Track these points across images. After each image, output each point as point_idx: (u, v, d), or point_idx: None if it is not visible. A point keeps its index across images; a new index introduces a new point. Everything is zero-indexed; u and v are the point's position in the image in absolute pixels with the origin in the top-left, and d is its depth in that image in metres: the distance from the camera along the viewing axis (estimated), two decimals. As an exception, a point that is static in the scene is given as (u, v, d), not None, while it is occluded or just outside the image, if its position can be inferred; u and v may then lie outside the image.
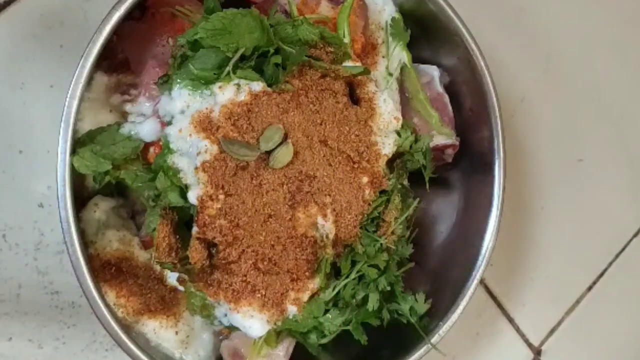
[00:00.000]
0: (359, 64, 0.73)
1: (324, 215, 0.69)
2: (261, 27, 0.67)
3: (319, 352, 0.74)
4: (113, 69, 0.74)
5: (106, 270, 0.71)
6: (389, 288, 0.73)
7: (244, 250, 0.67)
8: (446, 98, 0.81)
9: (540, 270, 0.98)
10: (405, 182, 0.75)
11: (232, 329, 0.72)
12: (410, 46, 0.78)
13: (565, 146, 1.00)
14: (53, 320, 0.80)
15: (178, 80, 0.68)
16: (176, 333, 0.73)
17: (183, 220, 0.70)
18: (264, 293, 0.68)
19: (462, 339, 0.93)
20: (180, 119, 0.68)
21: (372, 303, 0.72)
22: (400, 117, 0.74)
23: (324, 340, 0.72)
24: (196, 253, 0.66)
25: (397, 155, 0.74)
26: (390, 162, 0.74)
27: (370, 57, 0.77)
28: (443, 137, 0.79)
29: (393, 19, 0.77)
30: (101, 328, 0.68)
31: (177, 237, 0.68)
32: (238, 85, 0.67)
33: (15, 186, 0.80)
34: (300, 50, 0.68)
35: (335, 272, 0.72)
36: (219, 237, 0.67)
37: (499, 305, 0.96)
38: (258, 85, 0.68)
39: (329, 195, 0.69)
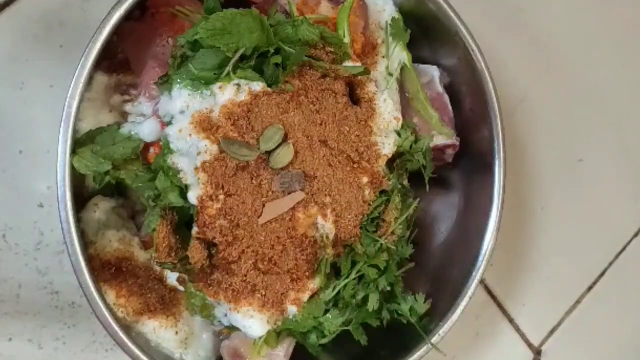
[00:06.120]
0: (359, 64, 0.73)
1: (324, 215, 0.69)
2: (261, 27, 0.67)
3: (319, 352, 0.74)
4: (113, 69, 0.74)
5: (106, 270, 0.71)
6: (389, 288, 0.73)
7: (244, 250, 0.67)
8: (446, 98, 0.81)
9: (540, 270, 0.98)
10: (405, 182, 0.75)
11: (232, 329, 0.72)
12: (410, 46, 0.78)
13: (565, 146, 1.00)
14: (53, 320, 0.80)
15: (178, 80, 0.68)
16: (176, 333, 0.73)
17: (183, 220, 0.70)
18: (264, 293, 0.68)
19: (462, 339, 0.93)
20: (180, 119, 0.68)
21: (372, 303, 0.72)
22: (400, 117, 0.74)
23: (324, 340, 0.73)
24: (196, 253, 0.66)
25: (397, 155, 0.74)
26: (390, 162, 0.74)
27: (370, 57, 0.77)
28: (443, 137, 0.79)
29: (393, 19, 0.77)
30: (101, 328, 0.68)
31: (177, 237, 0.68)
32: (238, 85, 0.67)
33: (15, 186, 0.80)
34: (300, 50, 0.68)
35: (335, 272, 0.72)
36: (219, 237, 0.67)
37: (499, 305, 0.96)
38: (258, 85, 0.68)
39: (329, 195, 0.69)
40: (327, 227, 0.69)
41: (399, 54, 0.78)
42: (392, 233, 0.73)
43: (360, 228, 0.71)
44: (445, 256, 0.84)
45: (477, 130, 0.80)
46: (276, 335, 0.72)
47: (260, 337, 0.71)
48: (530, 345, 0.98)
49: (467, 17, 0.77)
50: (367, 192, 0.71)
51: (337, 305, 0.72)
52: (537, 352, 0.98)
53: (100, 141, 0.69)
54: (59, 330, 0.80)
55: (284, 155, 0.67)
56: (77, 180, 0.70)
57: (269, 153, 0.68)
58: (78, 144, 0.68)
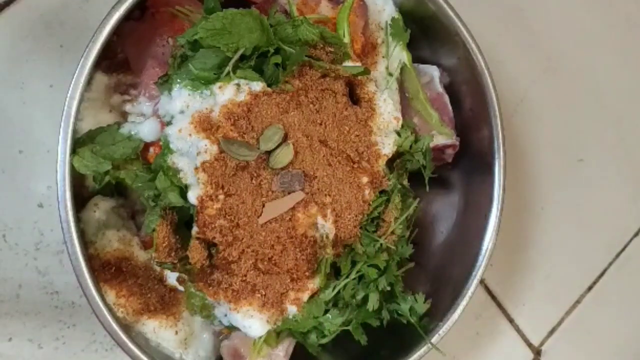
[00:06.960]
0: (359, 64, 0.73)
1: (324, 215, 0.69)
2: (261, 27, 0.67)
3: (319, 352, 0.74)
4: (113, 69, 0.74)
5: (106, 270, 0.71)
6: (389, 288, 0.73)
7: (244, 250, 0.67)
8: (446, 98, 0.81)
9: (540, 270, 0.98)
10: (405, 182, 0.75)
11: (232, 329, 0.72)
12: (410, 46, 0.78)
13: (565, 146, 1.00)
14: (53, 320, 0.80)
15: (178, 80, 0.68)
16: (176, 333, 0.73)
17: (183, 220, 0.70)
18: (264, 293, 0.68)
19: (462, 339, 0.93)
20: (180, 119, 0.68)
21: (372, 303, 0.72)
22: (400, 117, 0.75)
23: (324, 340, 0.73)
24: (196, 253, 0.66)
25: (397, 155, 0.74)
26: (390, 162, 0.74)
27: (370, 57, 0.77)
28: (443, 137, 0.79)
29: (393, 19, 0.77)
30: (101, 328, 0.68)
31: (177, 237, 0.68)
32: (238, 85, 0.67)
33: (15, 186, 0.80)
34: (300, 50, 0.68)
35: (335, 272, 0.72)
36: (219, 237, 0.67)
37: (499, 305, 0.96)
38: (258, 85, 0.68)
39: (329, 195, 0.69)
40: (327, 227, 0.69)
41: (399, 54, 0.78)
42: (392, 233, 0.73)
43: (360, 228, 0.71)
44: (445, 256, 0.84)
45: (477, 130, 0.80)
46: (276, 335, 0.72)
47: (260, 337, 0.71)
48: (530, 345, 0.98)
49: (467, 17, 0.77)
50: (367, 192, 0.71)
51: (337, 305, 0.72)
52: (537, 352, 0.98)
53: (100, 141, 0.69)
54: (59, 330, 0.80)
55: (284, 155, 0.67)
56: (77, 180, 0.70)
57: (269, 153, 0.68)
58: (78, 144, 0.68)
